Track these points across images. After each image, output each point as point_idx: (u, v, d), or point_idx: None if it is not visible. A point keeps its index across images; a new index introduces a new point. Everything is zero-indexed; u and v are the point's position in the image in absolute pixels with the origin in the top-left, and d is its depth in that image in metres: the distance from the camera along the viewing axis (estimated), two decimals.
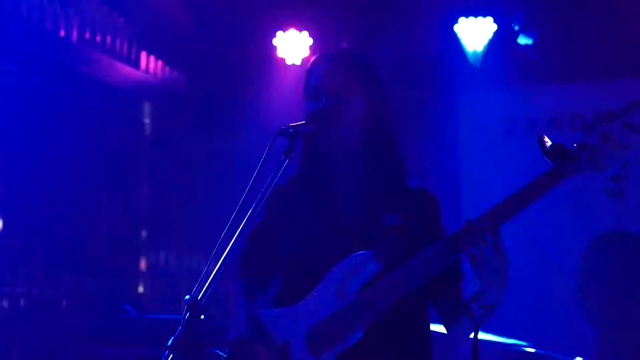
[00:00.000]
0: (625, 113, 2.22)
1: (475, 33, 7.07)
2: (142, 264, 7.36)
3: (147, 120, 7.55)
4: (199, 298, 2.10)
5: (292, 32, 7.23)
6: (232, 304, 2.69)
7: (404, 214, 2.57)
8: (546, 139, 2.32)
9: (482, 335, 4.62)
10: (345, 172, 2.68)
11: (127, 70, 6.83)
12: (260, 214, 2.55)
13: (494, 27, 7.05)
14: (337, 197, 2.67)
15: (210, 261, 2.17)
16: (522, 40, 7.02)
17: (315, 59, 2.74)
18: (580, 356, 4.51)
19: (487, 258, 2.32)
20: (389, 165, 2.66)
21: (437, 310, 2.63)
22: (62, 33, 6.13)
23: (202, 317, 2.10)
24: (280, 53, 7.29)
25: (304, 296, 2.53)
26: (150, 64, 7.17)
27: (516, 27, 6.96)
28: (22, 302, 5.99)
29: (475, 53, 7.14)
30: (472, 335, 2.46)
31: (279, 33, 7.27)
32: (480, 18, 7.03)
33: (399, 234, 2.53)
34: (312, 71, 2.71)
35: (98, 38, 6.50)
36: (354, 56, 2.75)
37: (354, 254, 2.48)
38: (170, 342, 2.06)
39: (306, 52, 7.11)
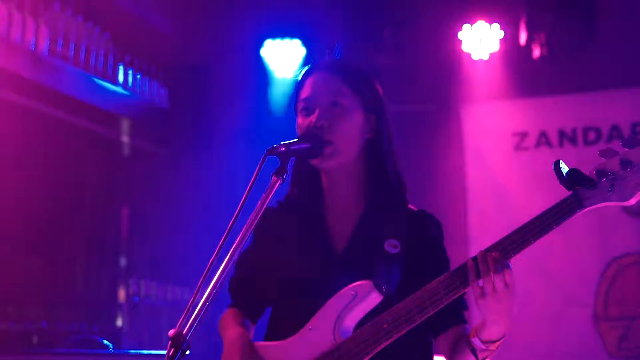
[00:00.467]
0: None
1: (481, 41, 7.10)
2: (121, 295, 7.33)
3: (125, 139, 7.54)
4: (184, 332, 2.08)
5: (282, 40, 7.24)
6: (223, 332, 2.67)
7: (406, 240, 2.56)
8: (562, 164, 2.31)
9: None
10: (343, 194, 2.67)
11: (104, 85, 6.83)
12: (249, 239, 2.55)
13: (501, 34, 7.09)
14: (334, 221, 2.66)
15: (197, 291, 2.16)
16: (532, 48, 7.06)
17: (307, 70, 2.74)
18: None
19: (497, 292, 2.31)
20: (389, 185, 2.65)
21: (439, 343, 2.62)
22: (32, 45, 6.13)
23: (188, 352, 2.09)
24: (270, 64, 7.30)
25: (298, 328, 2.52)
26: (128, 78, 7.17)
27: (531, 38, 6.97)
28: None
29: (481, 62, 7.16)
30: None
31: (268, 42, 7.27)
32: (486, 25, 7.07)
33: (401, 262, 2.52)
34: (302, 83, 2.70)
35: (71, 50, 6.50)
36: (349, 66, 2.73)
37: (354, 284, 2.47)
38: None
39: (298, 63, 7.12)
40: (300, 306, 2.55)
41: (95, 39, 6.77)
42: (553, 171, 2.29)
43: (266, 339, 2.67)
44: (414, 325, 2.39)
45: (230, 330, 2.64)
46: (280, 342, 2.55)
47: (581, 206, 2.27)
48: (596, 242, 6.77)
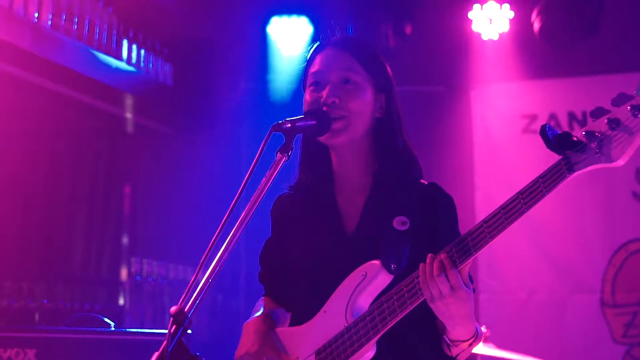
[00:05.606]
0: (634, 96, 2.17)
1: (490, 21, 7.07)
2: (123, 274, 7.34)
3: (128, 115, 7.54)
4: (186, 310, 2.08)
5: (289, 18, 7.22)
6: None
7: (416, 216, 2.55)
8: (549, 129, 2.25)
9: (500, 353, 4.63)
10: (351, 173, 2.66)
11: (107, 60, 6.81)
12: (270, 231, 2.63)
13: (511, 14, 7.06)
14: (344, 201, 2.66)
15: (199, 270, 2.16)
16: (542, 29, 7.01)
17: (318, 45, 2.72)
18: None
19: (443, 296, 2.30)
20: (398, 162, 2.64)
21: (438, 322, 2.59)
22: (35, 19, 6.12)
23: (190, 331, 2.09)
24: (277, 42, 7.28)
25: (314, 310, 2.55)
26: (132, 53, 7.16)
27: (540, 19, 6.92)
28: None
29: (491, 43, 7.14)
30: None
31: (275, 19, 7.26)
32: (496, 5, 7.03)
33: (410, 239, 2.51)
34: (312, 59, 2.68)
35: (74, 24, 6.48)
36: (362, 44, 2.72)
37: (364, 265, 2.47)
38: (153, 358, 2.05)
39: (305, 41, 7.10)
40: (316, 289, 2.57)
41: (99, 13, 6.75)
42: (540, 136, 2.26)
43: (291, 322, 2.71)
44: (404, 313, 2.39)
45: (250, 317, 2.69)
46: (299, 326, 2.59)
47: (571, 170, 2.20)
48: (604, 228, 6.76)
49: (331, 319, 2.49)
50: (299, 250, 2.66)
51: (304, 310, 2.60)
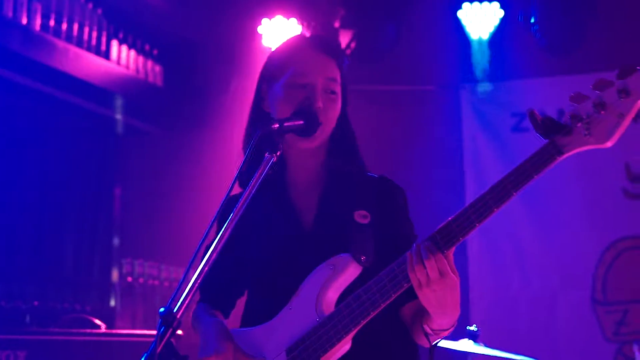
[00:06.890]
0: (619, 78, 2.21)
1: (480, 20, 7.07)
2: (114, 275, 7.33)
3: (118, 117, 7.52)
4: (175, 311, 2.07)
5: (278, 18, 7.22)
6: (197, 325, 2.65)
7: (374, 209, 2.55)
8: (537, 113, 2.27)
9: (490, 352, 4.63)
10: (305, 169, 2.65)
11: (97, 61, 6.80)
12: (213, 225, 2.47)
13: (501, 12, 7.06)
14: (298, 196, 2.64)
15: (187, 270, 2.15)
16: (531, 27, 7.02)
17: (301, 43, 2.70)
18: None
19: (431, 282, 2.26)
20: (350, 157, 2.66)
21: (403, 312, 2.57)
22: (24, 20, 6.10)
23: (180, 331, 2.08)
24: (265, 42, 7.28)
25: (276, 309, 2.50)
26: (122, 54, 7.14)
27: (532, 20, 6.92)
28: None
29: (480, 42, 7.16)
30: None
31: (265, 20, 7.25)
32: (485, 3, 7.04)
33: (372, 232, 2.50)
34: (295, 55, 2.65)
35: (64, 26, 6.47)
36: (340, 50, 2.74)
37: (332, 259, 2.45)
38: (143, 359, 2.04)
39: None
40: (275, 287, 2.53)
41: (88, 15, 6.74)
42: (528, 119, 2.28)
43: (243, 325, 2.64)
44: (382, 306, 2.36)
45: (205, 321, 2.61)
46: (260, 326, 2.53)
47: (560, 152, 2.23)
48: (594, 226, 6.77)
49: (300, 315, 2.45)
50: (254, 248, 2.61)
51: (262, 309, 2.55)
